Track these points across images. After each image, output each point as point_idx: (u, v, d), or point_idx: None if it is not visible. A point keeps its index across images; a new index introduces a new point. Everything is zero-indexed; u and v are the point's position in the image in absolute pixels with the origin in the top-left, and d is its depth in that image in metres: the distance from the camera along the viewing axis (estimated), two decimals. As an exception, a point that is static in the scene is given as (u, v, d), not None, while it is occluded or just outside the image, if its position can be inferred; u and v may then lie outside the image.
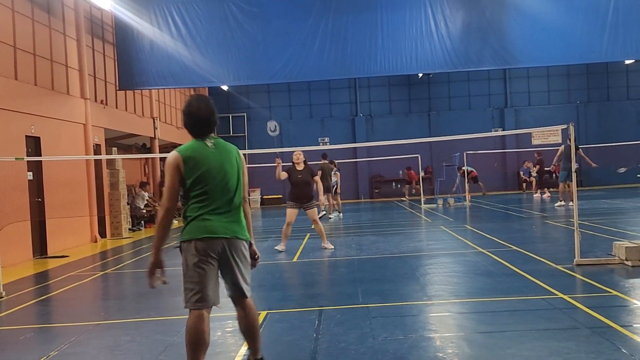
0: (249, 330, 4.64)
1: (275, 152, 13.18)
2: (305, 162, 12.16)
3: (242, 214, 4.61)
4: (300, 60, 17.53)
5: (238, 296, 4.58)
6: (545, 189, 26.01)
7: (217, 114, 4.67)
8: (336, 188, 20.76)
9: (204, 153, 4.50)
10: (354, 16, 17.68)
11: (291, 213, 12.08)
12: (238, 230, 4.52)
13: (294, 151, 12.37)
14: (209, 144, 4.56)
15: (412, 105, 33.00)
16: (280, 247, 12.23)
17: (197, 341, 4.35)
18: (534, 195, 25.68)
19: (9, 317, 7.81)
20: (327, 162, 19.68)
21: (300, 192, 11.96)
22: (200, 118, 4.56)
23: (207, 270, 4.37)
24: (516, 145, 30.97)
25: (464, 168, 25.30)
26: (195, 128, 4.58)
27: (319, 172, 19.43)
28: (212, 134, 4.66)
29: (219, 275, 4.52)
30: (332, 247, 12.14)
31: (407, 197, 29.39)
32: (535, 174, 26.41)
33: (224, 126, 32.52)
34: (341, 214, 20.80)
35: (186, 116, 4.60)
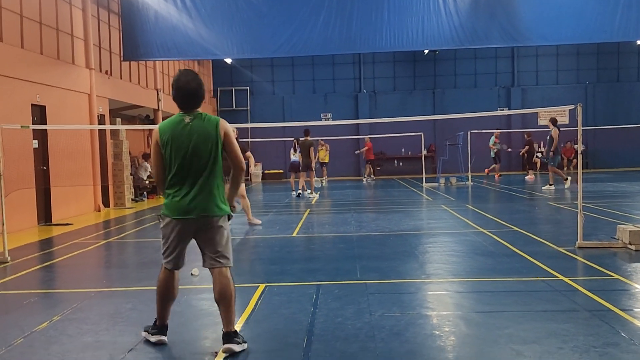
0: (219, 298, 4.76)
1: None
2: (237, 138, 12.35)
3: (215, 189, 4.72)
4: (305, 34, 17.38)
5: (210, 266, 4.84)
6: (530, 170, 26.14)
7: (203, 88, 4.83)
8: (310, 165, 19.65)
9: (178, 129, 4.71)
10: (360, -11, 17.51)
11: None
12: (209, 207, 4.70)
13: (296, 126, 12.45)
14: (187, 120, 4.72)
15: (416, 82, 32.82)
16: (256, 221, 12.45)
17: (165, 292, 4.94)
18: (527, 177, 25.56)
19: (13, 282, 7.90)
20: (308, 139, 19.50)
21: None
22: (187, 91, 4.73)
23: (177, 242, 4.79)
24: (522, 126, 30.83)
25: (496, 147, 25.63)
26: (181, 101, 4.77)
27: (297, 149, 19.34)
28: (198, 109, 4.81)
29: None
30: (260, 222, 12.39)
31: (366, 176, 27.97)
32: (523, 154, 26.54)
33: (227, 100, 32.45)
34: (310, 192, 19.78)
35: (174, 89, 4.79)
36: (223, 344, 4.69)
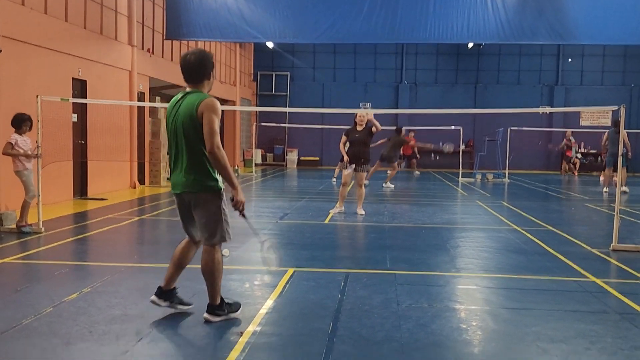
0: (202, 272, 5.00)
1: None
2: (367, 124, 12.03)
3: (197, 167, 4.78)
4: (348, 21, 17.25)
5: (197, 241, 5.15)
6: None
7: (206, 66, 4.90)
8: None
9: (172, 105, 4.95)
10: (407, -21, 17.33)
11: (346, 174, 12.06)
12: (188, 184, 4.82)
13: (335, 113, 12.32)
14: (180, 97, 4.91)
15: (458, 76, 32.40)
16: (334, 210, 12.18)
17: (175, 254, 5.20)
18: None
19: (46, 252, 8.05)
20: (399, 136, 19.67)
21: (354, 152, 11.89)
22: (184, 64, 4.90)
23: (180, 214, 5.09)
24: (563, 125, 30.25)
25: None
26: (182, 74, 4.95)
27: (387, 141, 19.52)
28: (192, 87, 4.91)
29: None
30: (364, 213, 12.08)
31: (416, 170, 27.86)
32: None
33: (266, 84, 32.48)
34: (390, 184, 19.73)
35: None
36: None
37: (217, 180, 4.82)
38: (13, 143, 9.33)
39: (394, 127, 20.59)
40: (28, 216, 9.57)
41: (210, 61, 4.93)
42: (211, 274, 4.96)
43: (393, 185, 19.36)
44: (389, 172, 19.98)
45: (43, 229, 9.41)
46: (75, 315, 5.17)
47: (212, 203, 4.84)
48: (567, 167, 28.35)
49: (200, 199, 4.83)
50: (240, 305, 5.25)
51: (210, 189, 4.81)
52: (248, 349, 4.42)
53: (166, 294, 5.16)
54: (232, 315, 5.12)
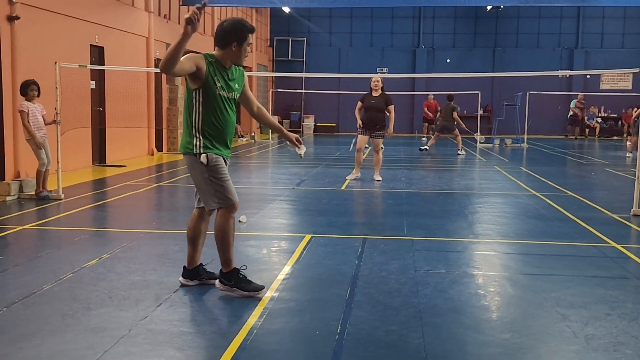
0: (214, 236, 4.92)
1: None
2: (382, 89, 11.94)
3: (184, 128, 4.82)
4: (365, -15, 17.04)
5: (204, 211, 5.01)
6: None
7: (227, 33, 4.79)
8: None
9: None
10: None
11: (361, 139, 12.02)
12: (179, 145, 4.97)
13: (352, 77, 12.21)
14: None
15: (477, 40, 31.89)
16: (350, 176, 12.15)
17: (187, 235, 5.09)
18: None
19: (66, 219, 8.13)
20: (451, 104, 19.59)
21: (370, 117, 11.83)
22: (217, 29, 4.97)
23: None
24: (583, 89, 29.80)
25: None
26: None
27: (438, 113, 19.57)
28: (215, 50, 4.94)
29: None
30: (381, 179, 12.03)
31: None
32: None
33: (283, 50, 32.22)
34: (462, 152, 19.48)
35: None
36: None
37: (192, 144, 4.69)
38: (26, 111, 9.35)
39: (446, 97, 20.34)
40: (47, 183, 9.65)
41: (241, 32, 4.74)
42: (218, 241, 4.87)
43: (464, 153, 19.03)
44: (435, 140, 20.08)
45: (62, 196, 9.49)
46: (95, 280, 5.23)
47: (193, 166, 4.77)
48: (577, 130, 28.23)
49: (185, 161, 4.89)
50: (259, 288, 4.84)
51: (188, 151, 4.74)
52: (266, 315, 4.44)
53: (192, 272, 5.07)
54: (242, 292, 4.80)
